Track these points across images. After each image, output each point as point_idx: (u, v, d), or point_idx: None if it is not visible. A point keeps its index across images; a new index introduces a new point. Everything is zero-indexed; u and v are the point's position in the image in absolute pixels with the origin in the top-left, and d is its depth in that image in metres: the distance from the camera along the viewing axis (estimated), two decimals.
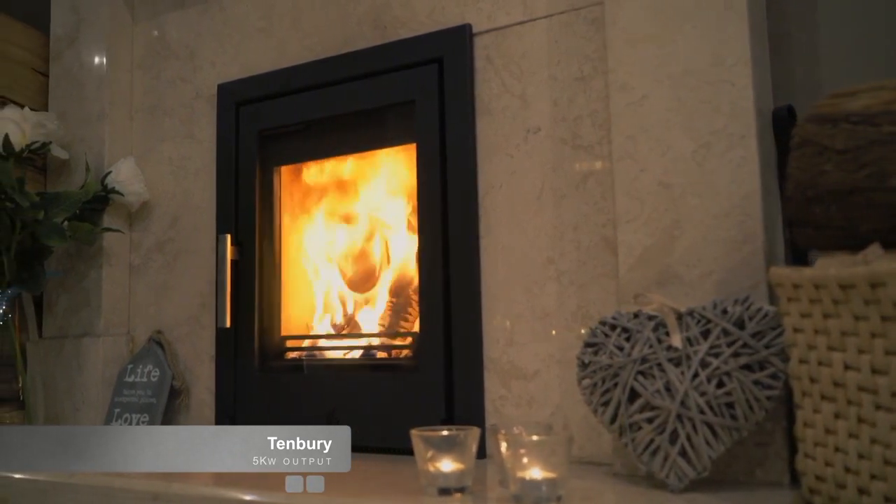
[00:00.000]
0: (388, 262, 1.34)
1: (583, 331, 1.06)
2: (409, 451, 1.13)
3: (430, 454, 0.84)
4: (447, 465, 0.84)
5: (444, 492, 0.83)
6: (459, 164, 1.19)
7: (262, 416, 1.31)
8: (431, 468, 0.84)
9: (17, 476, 1.10)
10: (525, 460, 0.78)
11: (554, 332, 1.10)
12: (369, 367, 1.28)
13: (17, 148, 1.34)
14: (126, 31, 1.58)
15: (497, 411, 1.14)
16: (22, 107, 1.43)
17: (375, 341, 1.31)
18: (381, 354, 1.29)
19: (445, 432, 0.85)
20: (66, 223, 1.39)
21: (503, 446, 0.80)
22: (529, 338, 1.12)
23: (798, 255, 1.01)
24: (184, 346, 1.45)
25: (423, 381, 1.17)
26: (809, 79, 1.12)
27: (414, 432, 0.86)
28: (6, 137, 1.32)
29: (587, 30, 1.12)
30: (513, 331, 1.13)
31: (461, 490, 0.84)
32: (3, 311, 1.35)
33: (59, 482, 1.06)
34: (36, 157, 1.46)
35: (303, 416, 1.27)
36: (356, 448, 1.20)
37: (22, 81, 1.58)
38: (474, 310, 1.16)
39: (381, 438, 1.20)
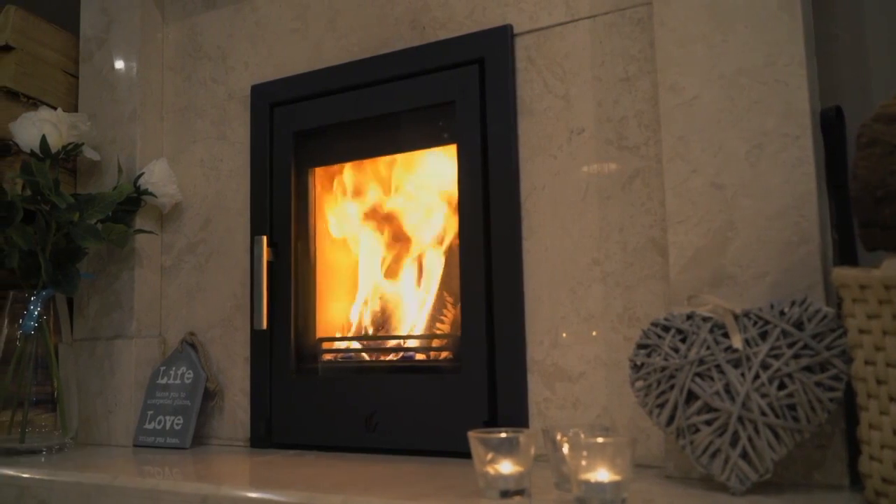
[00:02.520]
0: (424, 264, 1.34)
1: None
2: (452, 454, 1.15)
3: (489, 456, 0.83)
4: (506, 466, 0.84)
5: (505, 494, 0.83)
6: (501, 164, 1.18)
7: (298, 418, 1.31)
8: (491, 470, 0.83)
9: (60, 479, 1.10)
10: (589, 462, 0.78)
11: (599, 333, 1.10)
12: (408, 369, 1.27)
13: (54, 150, 1.34)
14: (156, 32, 1.57)
15: (541, 413, 1.13)
16: (54, 108, 1.43)
17: (413, 343, 1.30)
18: (419, 356, 1.28)
19: (504, 434, 0.85)
20: (99, 225, 1.38)
21: (565, 448, 0.80)
22: (574, 339, 1.12)
23: (846, 256, 1.01)
24: (217, 348, 1.44)
25: (465, 384, 1.16)
26: (855, 79, 1.12)
27: (472, 434, 0.86)
28: (43, 139, 1.32)
29: (632, 30, 1.12)
30: (557, 333, 1.13)
31: (520, 492, 0.84)
32: (38, 312, 1.34)
33: (103, 484, 1.06)
34: (67, 159, 1.45)
35: (341, 418, 1.26)
36: (395, 451, 1.21)
37: (52, 83, 1.57)
38: (517, 311, 1.15)
39: (421, 441, 1.19)
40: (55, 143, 1.33)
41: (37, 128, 1.32)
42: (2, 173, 1.42)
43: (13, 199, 1.33)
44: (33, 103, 1.53)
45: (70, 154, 1.39)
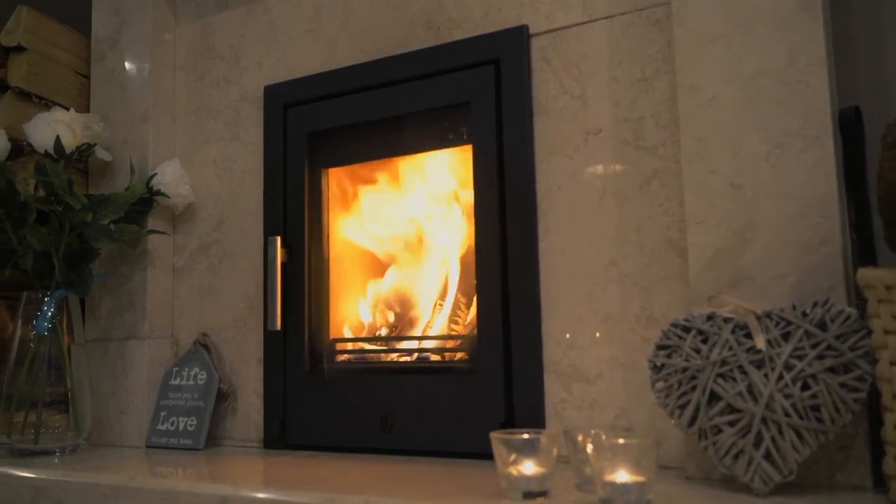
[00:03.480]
0: (439, 265, 1.34)
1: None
2: (468, 455, 1.15)
3: (512, 457, 0.83)
4: (529, 467, 0.83)
5: (528, 496, 0.83)
6: (517, 165, 1.18)
7: (312, 419, 1.30)
8: (514, 471, 0.83)
9: (76, 480, 1.09)
10: (614, 463, 0.78)
11: (616, 334, 1.09)
12: (423, 370, 1.27)
13: (68, 150, 1.34)
14: (168, 33, 1.57)
15: (558, 414, 1.13)
16: (66, 109, 1.42)
17: (428, 344, 1.30)
18: (434, 357, 1.28)
19: (526, 435, 0.84)
20: (112, 225, 1.38)
21: (589, 448, 0.79)
22: (591, 340, 1.11)
23: (865, 257, 1.01)
24: (229, 348, 1.44)
25: (481, 385, 1.16)
26: (872, 80, 1.12)
27: (494, 435, 0.85)
28: (58, 139, 1.32)
29: (649, 31, 1.12)
30: (574, 333, 1.13)
31: (543, 494, 0.83)
32: (52, 313, 1.34)
33: (120, 486, 1.05)
34: (80, 160, 1.45)
35: (355, 419, 1.26)
36: (410, 452, 1.20)
37: (64, 84, 1.57)
38: (533, 312, 1.15)
39: (437, 442, 1.19)
40: (69, 144, 1.33)
41: (51, 128, 1.32)
42: (14, 174, 1.42)
43: (27, 200, 1.33)
44: (45, 104, 1.52)
45: (83, 155, 1.39)
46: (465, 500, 0.87)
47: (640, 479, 0.77)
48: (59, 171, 1.31)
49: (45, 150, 1.33)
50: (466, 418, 1.17)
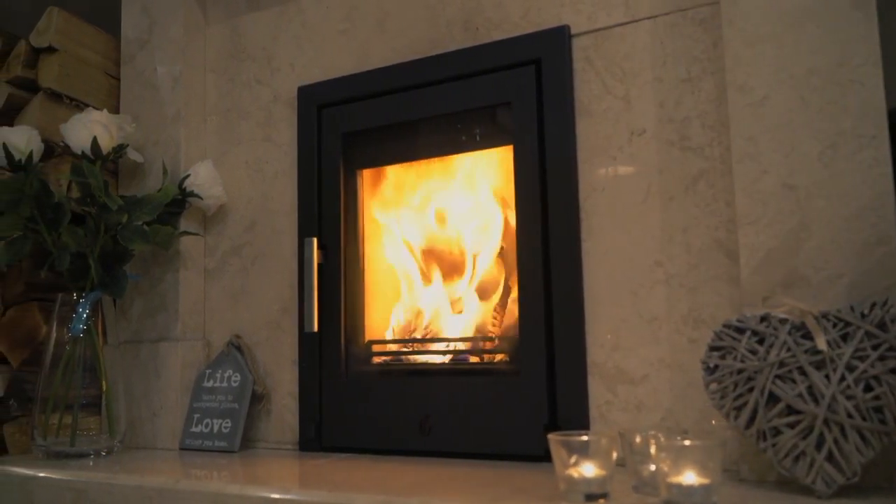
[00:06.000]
0: (479, 265, 1.33)
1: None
2: (510, 457, 1.14)
3: (573, 459, 0.82)
4: (589, 469, 0.83)
5: (590, 498, 0.82)
6: (559, 166, 1.17)
7: (349, 421, 1.30)
8: (574, 473, 0.83)
9: (119, 482, 1.09)
10: (679, 465, 0.77)
11: (663, 335, 1.09)
12: (463, 372, 1.26)
13: (105, 151, 1.33)
14: (199, 34, 1.57)
15: (602, 416, 1.12)
16: (98, 110, 1.42)
17: (466, 346, 1.29)
18: (473, 359, 1.27)
19: (586, 437, 0.84)
20: (145, 227, 1.37)
21: (652, 450, 0.79)
22: (636, 342, 1.11)
23: None
24: (263, 350, 1.43)
25: (524, 386, 1.16)
26: None
27: (553, 437, 0.85)
28: (94, 140, 1.31)
29: (694, 31, 1.11)
30: (618, 335, 1.12)
31: (604, 496, 0.83)
32: (87, 315, 1.33)
33: (165, 488, 1.05)
34: (114, 161, 1.45)
35: (393, 421, 1.25)
36: (450, 454, 1.20)
37: (95, 85, 1.57)
38: (577, 314, 1.14)
39: (478, 444, 1.18)
40: (106, 145, 1.33)
41: (88, 129, 1.31)
42: (47, 175, 1.41)
43: (61, 201, 1.32)
44: (76, 105, 1.52)
45: (117, 156, 1.38)
46: (525, 502, 0.86)
47: (706, 481, 0.77)
48: (96, 172, 1.30)
49: (82, 151, 1.32)
50: (508, 420, 1.16)
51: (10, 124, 1.45)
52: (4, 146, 1.29)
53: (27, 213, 1.30)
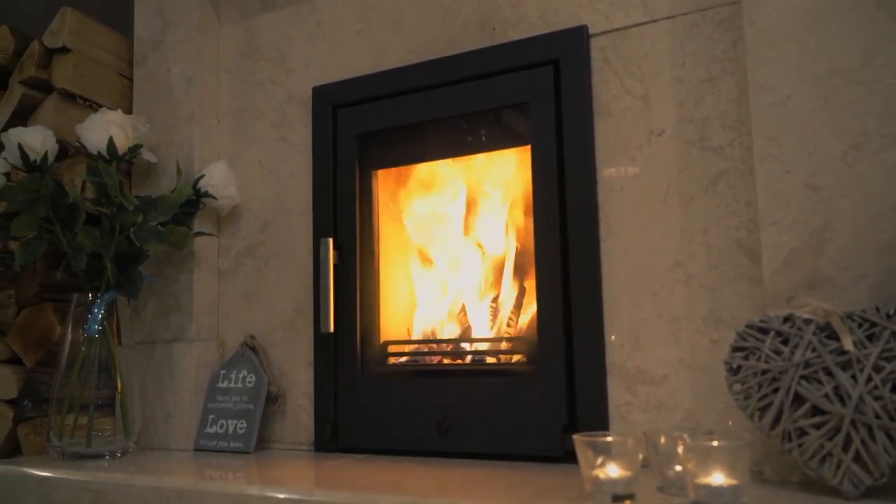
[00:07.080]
0: (495, 266, 1.33)
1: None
2: (529, 458, 1.14)
3: (599, 460, 0.82)
4: (615, 470, 0.83)
5: (616, 498, 0.82)
6: (578, 165, 1.17)
7: (365, 422, 1.30)
8: (601, 474, 0.82)
9: (138, 483, 1.09)
10: (707, 466, 0.77)
11: (683, 336, 1.09)
12: (480, 372, 1.26)
13: (121, 151, 1.33)
14: (212, 34, 1.57)
15: (622, 417, 1.12)
16: (112, 111, 1.42)
17: (484, 346, 1.29)
18: (491, 360, 1.27)
19: (612, 438, 0.84)
20: (160, 227, 1.37)
21: (680, 450, 0.79)
22: (656, 342, 1.11)
23: None
24: (278, 351, 1.43)
25: (543, 387, 1.15)
26: None
27: (578, 438, 0.84)
28: (110, 140, 1.31)
29: (714, 31, 1.11)
30: (638, 335, 1.12)
31: (630, 496, 0.82)
32: (102, 315, 1.33)
33: (185, 489, 1.04)
34: (129, 161, 1.45)
35: (410, 421, 1.25)
36: (468, 454, 1.20)
37: (108, 85, 1.57)
38: (596, 314, 1.14)
39: (496, 445, 1.18)
40: (122, 145, 1.33)
41: (104, 129, 1.31)
42: (61, 175, 1.41)
43: (76, 201, 1.32)
44: (90, 105, 1.52)
45: (131, 156, 1.38)
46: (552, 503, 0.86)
47: (735, 482, 0.77)
48: (112, 172, 1.30)
49: (98, 152, 1.32)
50: (527, 421, 1.16)
51: (24, 125, 1.45)
52: (20, 146, 1.29)
53: (42, 213, 1.30)
